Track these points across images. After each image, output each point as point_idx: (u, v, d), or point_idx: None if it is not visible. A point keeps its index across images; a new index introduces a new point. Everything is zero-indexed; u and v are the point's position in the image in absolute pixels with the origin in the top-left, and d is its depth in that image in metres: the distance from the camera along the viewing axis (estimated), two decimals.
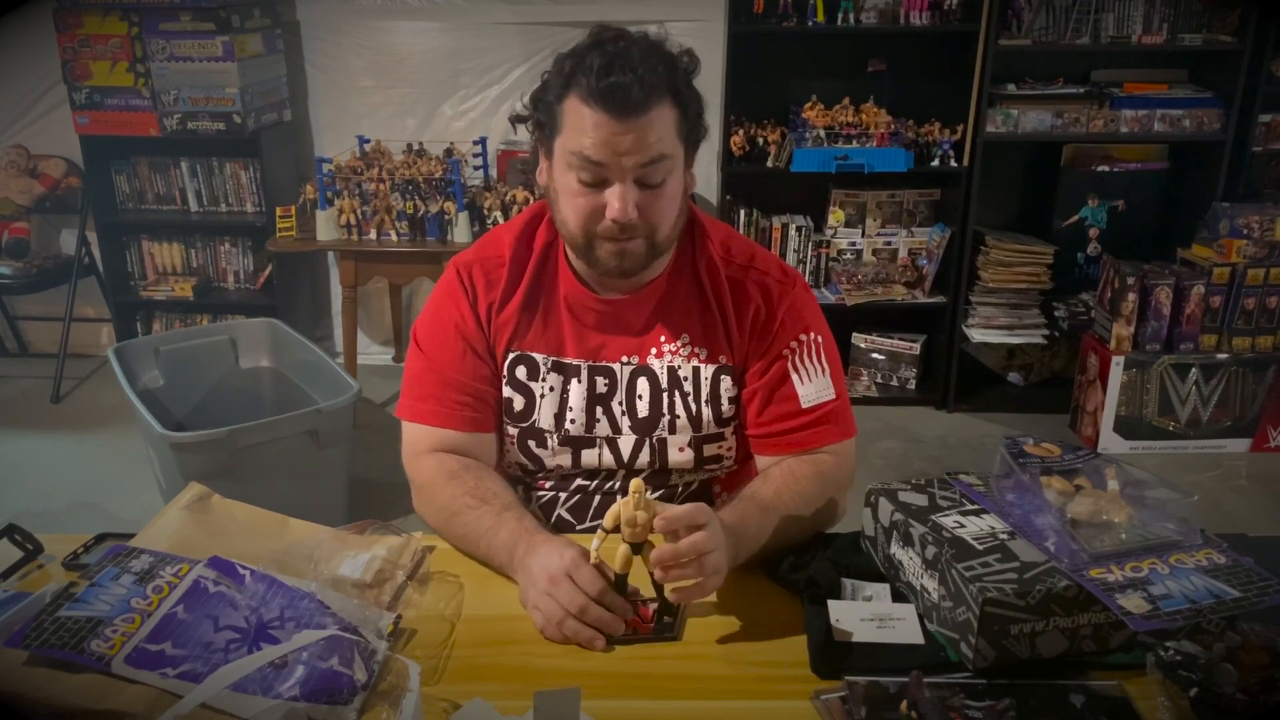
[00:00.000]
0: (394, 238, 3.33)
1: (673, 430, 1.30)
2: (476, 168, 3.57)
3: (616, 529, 1.07)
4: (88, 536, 1.24)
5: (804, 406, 1.28)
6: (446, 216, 3.31)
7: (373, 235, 3.34)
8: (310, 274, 4.08)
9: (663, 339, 1.30)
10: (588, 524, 1.34)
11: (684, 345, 1.30)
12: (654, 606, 1.09)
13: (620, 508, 1.06)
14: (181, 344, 2.99)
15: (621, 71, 1.11)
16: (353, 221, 3.32)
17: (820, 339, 1.31)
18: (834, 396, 1.29)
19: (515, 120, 1.27)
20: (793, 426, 1.28)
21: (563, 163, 1.18)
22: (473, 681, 0.99)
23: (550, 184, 1.23)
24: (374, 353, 4.05)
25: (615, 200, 1.15)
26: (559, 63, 1.18)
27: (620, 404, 1.30)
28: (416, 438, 1.31)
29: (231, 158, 3.78)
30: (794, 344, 1.29)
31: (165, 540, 1.10)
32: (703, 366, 1.30)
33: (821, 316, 1.33)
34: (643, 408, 1.30)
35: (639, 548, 1.07)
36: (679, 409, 1.29)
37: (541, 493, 1.36)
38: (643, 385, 1.30)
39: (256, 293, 3.90)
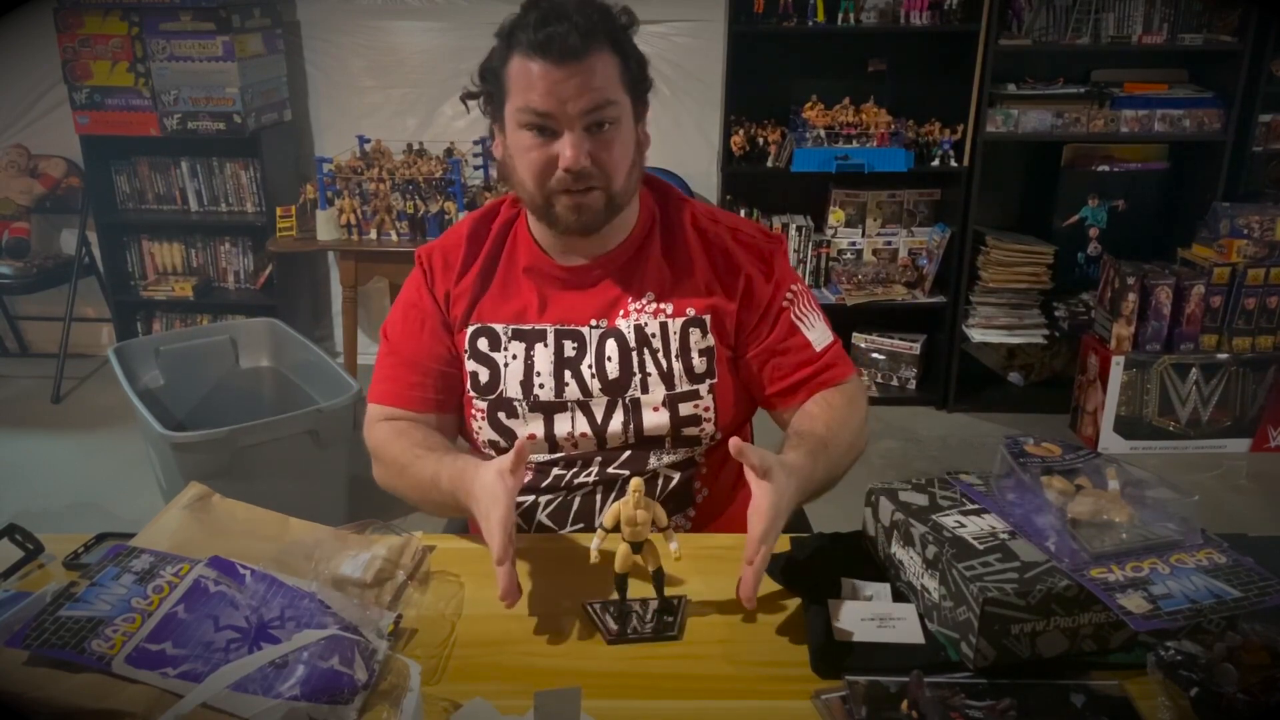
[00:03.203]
0: (394, 238, 3.33)
1: (645, 389, 1.29)
2: (477, 167, 3.57)
3: (616, 528, 1.07)
4: (88, 536, 1.24)
5: (817, 350, 1.32)
6: (447, 216, 3.31)
7: (373, 235, 3.34)
8: (310, 274, 4.08)
9: (629, 300, 1.31)
10: (569, 528, 1.32)
11: (649, 302, 1.30)
12: (654, 606, 1.09)
13: (620, 507, 1.06)
14: (181, 344, 2.99)
15: (558, 21, 1.14)
16: (353, 221, 3.32)
17: (804, 288, 1.36)
18: (833, 339, 1.35)
19: (466, 98, 1.29)
20: (812, 372, 1.32)
21: (514, 123, 1.21)
22: (473, 681, 0.99)
23: (506, 152, 1.25)
24: (374, 353, 4.01)
25: (567, 149, 1.17)
26: (499, 30, 1.21)
27: (590, 367, 1.29)
28: (372, 413, 1.37)
29: (231, 158, 3.78)
30: (789, 295, 1.33)
31: (166, 540, 1.10)
32: (670, 321, 1.30)
33: None
34: (612, 369, 1.29)
35: (639, 547, 1.07)
36: (649, 366, 1.29)
37: (520, 497, 1.33)
38: (611, 347, 1.29)
39: (257, 293, 3.91)
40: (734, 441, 1.06)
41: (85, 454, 3.32)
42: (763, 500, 1.04)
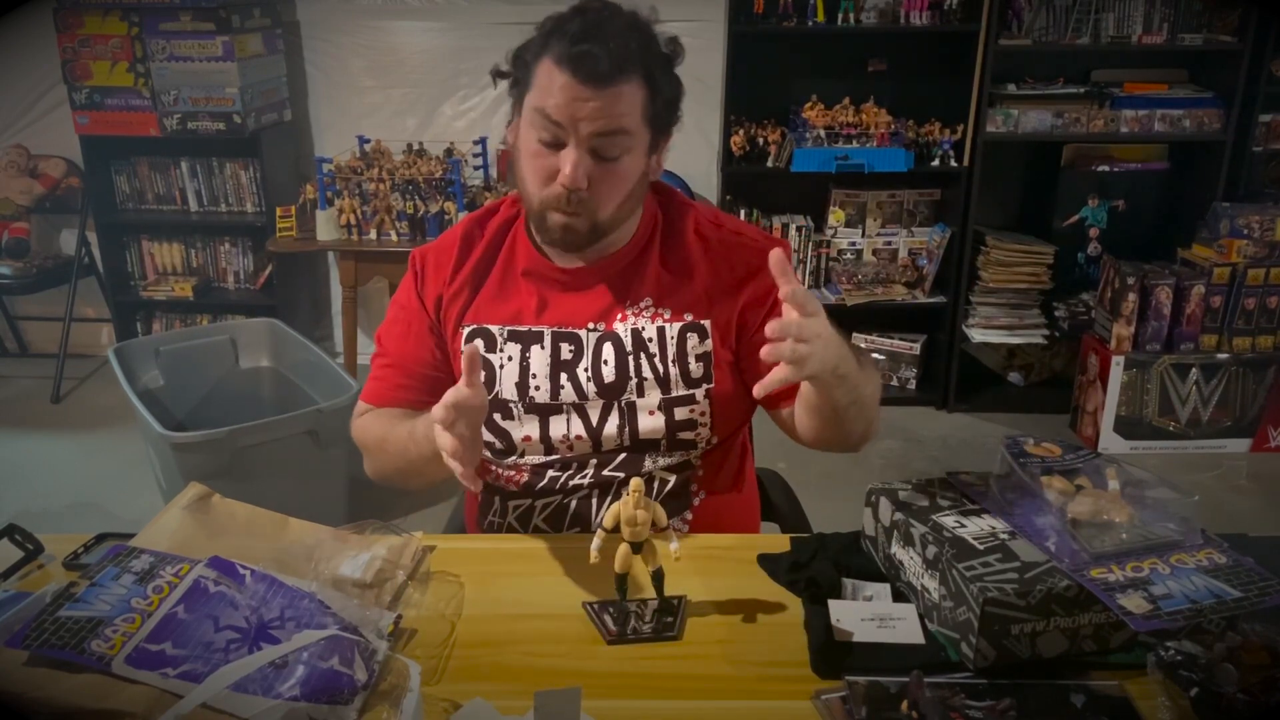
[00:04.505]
0: (394, 238, 3.33)
1: (641, 393, 1.29)
2: (476, 168, 3.56)
3: (616, 529, 1.07)
4: (88, 536, 1.24)
5: None
6: (447, 216, 3.31)
7: (373, 235, 3.33)
8: (310, 274, 4.08)
9: (627, 304, 1.30)
10: (565, 532, 1.32)
11: (647, 307, 1.30)
12: (654, 606, 1.09)
13: (620, 507, 1.06)
14: (181, 344, 2.99)
15: (596, 40, 1.13)
16: (353, 221, 3.31)
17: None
18: None
19: (496, 74, 1.28)
20: None
21: (527, 120, 1.21)
22: (473, 681, 0.99)
23: (515, 143, 1.25)
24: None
25: (567, 164, 1.17)
26: (542, 24, 1.20)
27: (586, 370, 1.29)
28: (357, 409, 1.39)
29: (231, 158, 3.78)
30: None
31: (165, 540, 1.10)
32: (667, 325, 1.29)
33: None
34: (608, 372, 1.29)
35: (639, 547, 1.07)
36: (646, 370, 1.29)
37: (517, 501, 1.34)
38: (608, 350, 1.29)
39: (256, 293, 3.90)
40: (776, 253, 1.04)
41: (85, 454, 3.32)
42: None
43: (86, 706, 0.85)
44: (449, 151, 3.53)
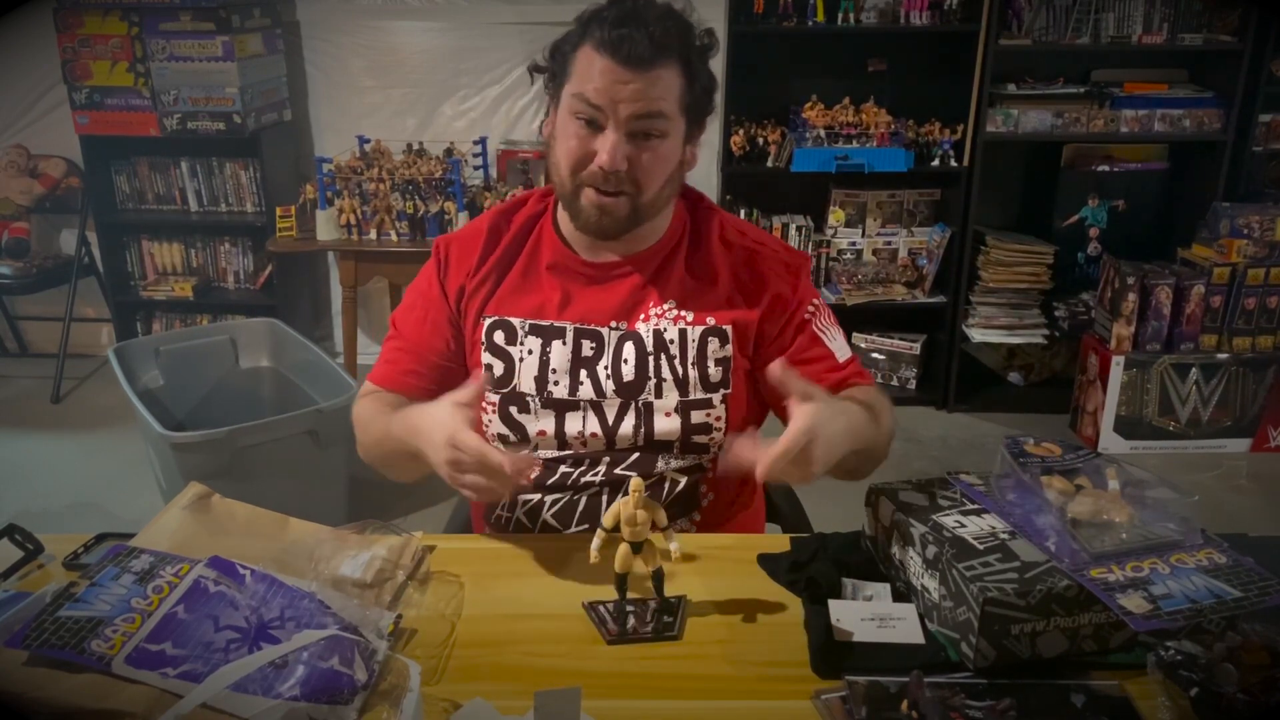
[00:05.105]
0: (394, 238, 3.33)
1: (659, 394, 1.29)
2: (476, 168, 3.57)
3: (616, 528, 1.07)
4: (88, 536, 1.24)
5: (840, 361, 1.33)
6: (446, 216, 3.31)
7: (373, 235, 3.34)
8: (310, 274, 4.08)
9: (650, 304, 1.30)
10: (574, 528, 1.32)
11: (670, 309, 1.30)
12: (654, 606, 1.09)
13: (620, 507, 1.06)
14: (181, 344, 2.99)
15: (634, 25, 1.16)
16: (353, 221, 3.32)
17: (824, 304, 1.37)
18: (852, 354, 1.36)
19: (534, 70, 1.30)
20: (837, 381, 1.31)
21: (565, 108, 1.22)
22: (473, 681, 0.99)
23: (551, 133, 1.27)
24: (374, 353, 3.98)
25: (605, 147, 1.19)
26: (579, 17, 1.22)
27: (605, 368, 1.29)
28: (363, 389, 1.40)
29: (231, 158, 3.78)
30: (811, 309, 1.33)
31: (165, 540, 1.10)
32: (689, 328, 1.30)
33: None
34: (628, 371, 1.29)
35: (639, 547, 1.07)
36: (665, 372, 1.29)
37: (526, 496, 1.34)
38: (629, 350, 1.29)
39: (256, 293, 3.90)
40: (775, 366, 1.07)
41: (85, 454, 3.32)
42: (801, 412, 1.02)
43: (86, 706, 0.85)
44: (449, 151, 3.53)
